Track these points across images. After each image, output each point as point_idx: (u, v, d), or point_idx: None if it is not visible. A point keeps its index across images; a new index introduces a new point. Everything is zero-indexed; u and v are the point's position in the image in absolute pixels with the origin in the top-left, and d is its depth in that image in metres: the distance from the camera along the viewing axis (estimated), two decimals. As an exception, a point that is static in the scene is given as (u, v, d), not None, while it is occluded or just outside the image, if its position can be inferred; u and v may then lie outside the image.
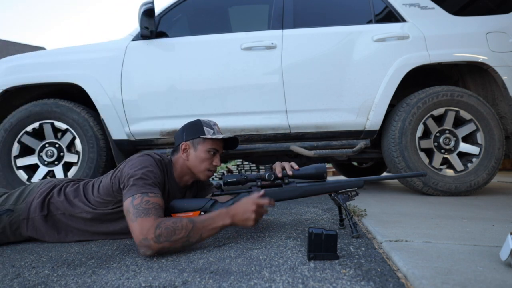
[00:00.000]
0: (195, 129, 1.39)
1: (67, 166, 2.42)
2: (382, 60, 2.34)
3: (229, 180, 1.28)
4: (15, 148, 2.37)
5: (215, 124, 1.45)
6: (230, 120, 2.35)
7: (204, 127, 1.39)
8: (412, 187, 2.36)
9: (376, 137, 2.46)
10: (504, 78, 2.29)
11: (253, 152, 2.47)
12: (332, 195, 1.29)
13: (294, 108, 2.35)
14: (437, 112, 2.34)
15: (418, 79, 2.68)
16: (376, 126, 2.36)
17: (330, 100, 2.35)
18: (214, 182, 1.51)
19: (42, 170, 2.38)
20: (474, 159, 2.32)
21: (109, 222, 1.33)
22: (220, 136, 1.37)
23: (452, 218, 1.50)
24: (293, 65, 2.36)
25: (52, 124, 2.39)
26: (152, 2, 2.23)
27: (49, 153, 2.38)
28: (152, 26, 2.35)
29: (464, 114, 2.33)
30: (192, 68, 2.39)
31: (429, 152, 2.37)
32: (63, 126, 2.39)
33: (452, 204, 1.94)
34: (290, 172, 1.29)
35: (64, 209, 1.32)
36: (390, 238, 1.12)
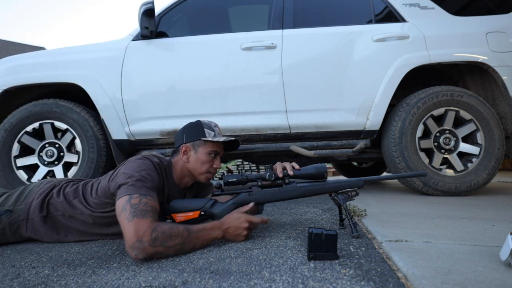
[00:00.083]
0: (195, 131, 1.37)
1: (67, 166, 2.42)
2: (382, 60, 2.34)
3: (229, 180, 1.28)
4: (15, 148, 2.38)
5: (216, 125, 1.43)
6: (230, 120, 2.35)
7: (205, 129, 1.37)
8: (412, 187, 2.36)
9: (376, 137, 2.46)
10: (504, 78, 2.29)
11: (253, 152, 2.47)
12: (332, 195, 1.29)
13: (294, 108, 2.35)
14: (437, 112, 2.34)
15: (418, 79, 2.68)
16: (376, 126, 2.36)
17: (330, 100, 2.35)
18: (214, 182, 1.51)
19: (42, 170, 2.38)
20: (474, 159, 2.32)
21: (109, 226, 1.32)
22: (222, 139, 1.35)
23: (452, 218, 1.50)
24: (293, 65, 2.36)
25: (52, 124, 2.39)
26: (152, 2, 2.23)
27: (49, 153, 2.38)
28: (152, 26, 2.35)
29: (464, 114, 2.33)
30: (192, 68, 2.39)
31: (429, 152, 2.37)
32: (63, 126, 2.39)
33: (452, 204, 1.94)
34: (291, 172, 1.29)
35: (63, 210, 1.31)
36: (390, 238, 1.12)
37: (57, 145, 2.40)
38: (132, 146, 2.44)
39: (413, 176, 1.31)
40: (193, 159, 1.36)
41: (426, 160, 2.32)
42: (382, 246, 1.09)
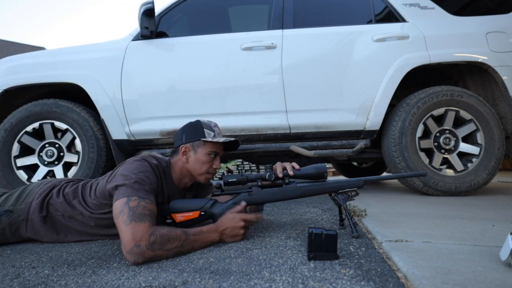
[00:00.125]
0: (195, 131, 1.36)
1: (67, 166, 2.42)
2: (382, 60, 2.34)
3: (229, 180, 1.27)
4: (15, 148, 2.38)
5: (216, 125, 1.42)
6: (230, 120, 2.36)
7: (205, 129, 1.35)
8: (412, 187, 2.36)
9: (376, 137, 2.46)
10: (504, 78, 2.29)
11: (253, 152, 2.47)
12: (332, 195, 1.29)
13: (294, 108, 2.35)
14: (437, 112, 2.34)
15: (418, 79, 2.68)
16: (376, 126, 2.36)
17: (330, 100, 2.35)
18: (214, 182, 1.51)
19: (42, 170, 2.38)
20: (474, 159, 2.32)
21: (109, 227, 1.31)
22: (222, 140, 1.34)
23: (452, 218, 1.50)
24: (293, 65, 2.36)
25: (52, 124, 2.39)
26: (152, 2, 2.23)
27: (49, 153, 2.38)
28: (152, 26, 2.35)
29: (464, 114, 2.33)
30: (192, 68, 2.39)
31: (429, 152, 2.37)
32: (63, 126, 2.39)
33: (452, 204, 1.94)
34: (291, 172, 1.28)
35: (63, 210, 1.31)
36: (390, 238, 1.12)
37: (57, 145, 2.40)
38: (132, 146, 2.44)
39: (413, 176, 1.31)
40: (192, 160, 1.35)
41: (426, 160, 2.32)
42: (382, 246, 1.09)
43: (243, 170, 7.90)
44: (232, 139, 1.38)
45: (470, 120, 2.33)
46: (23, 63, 2.48)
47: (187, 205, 1.29)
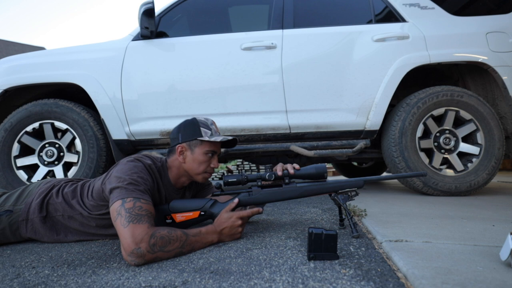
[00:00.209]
0: (191, 130, 1.33)
1: (67, 166, 2.42)
2: (382, 60, 2.34)
3: (229, 180, 1.27)
4: (15, 148, 2.38)
5: (213, 123, 1.39)
6: (230, 120, 2.36)
7: (201, 128, 1.33)
8: (412, 187, 2.36)
9: (376, 137, 2.46)
10: (504, 78, 2.29)
11: (253, 152, 2.47)
12: (332, 195, 1.29)
13: (294, 108, 2.35)
14: (437, 112, 2.34)
15: (418, 79, 2.68)
16: (376, 126, 2.36)
17: (330, 100, 2.35)
18: (214, 182, 1.50)
19: (42, 170, 2.38)
20: (474, 159, 2.32)
21: (108, 228, 1.31)
22: (219, 139, 1.31)
23: (452, 218, 1.50)
24: (293, 65, 2.36)
25: (52, 124, 2.39)
26: (152, 2, 2.23)
27: (49, 153, 2.38)
28: (152, 26, 2.35)
29: (464, 114, 2.33)
30: (192, 68, 2.39)
31: (429, 152, 2.37)
32: (63, 126, 2.39)
33: (452, 204, 1.94)
34: (291, 171, 1.28)
35: (63, 210, 1.31)
36: (390, 238, 1.12)
37: (57, 145, 2.40)
38: (132, 146, 2.44)
39: (413, 176, 1.31)
40: (189, 160, 1.33)
41: (426, 160, 2.33)
42: (382, 246, 1.09)
43: (243, 170, 7.90)
44: (230, 137, 1.36)
45: (470, 120, 2.33)
46: (23, 63, 2.48)
47: (187, 205, 1.29)
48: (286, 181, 1.29)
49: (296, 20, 2.48)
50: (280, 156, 2.78)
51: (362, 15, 2.54)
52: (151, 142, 2.43)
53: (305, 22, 2.49)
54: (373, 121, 2.34)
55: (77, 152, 2.40)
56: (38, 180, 1.93)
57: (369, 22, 2.51)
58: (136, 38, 2.47)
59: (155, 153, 1.41)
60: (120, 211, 1.06)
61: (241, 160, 7.19)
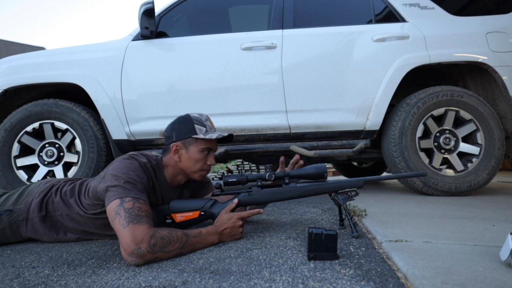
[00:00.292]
0: (185, 127, 1.30)
1: (67, 166, 2.42)
2: (382, 60, 2.34)
3: (229, 180, 1.27)
4: (15, 148, 2.38)
5: (207, 119, 1.35)
6: (230, 120, 2.36)
7: (195, 126, 1.29)
8: (412, 187, 2.36)
9: (376, 137, 2.46)
10: (504, 78, 2.29)
11: (253, 152, 2.47)
12: (332, 195, 1.29)
13: (294, 108, 2.35)
14: (437, 112, 2.34)
15: (418, 79, 2.68)
16: (376, 126, 2.36)
17: (330, 100, 2.35)
18: (214, 182, 1.50)
19: (42, 170, 2.38)
20: (474, 159, 2.32)
21: (104, 228, 1.30)
22: (214, 136, 1.29)
23: (452, 218, 1.50)
24: (293, 65, 2.36)
25: (52, 124, 2.39)
26: (152, 2, 2.23)
27: (49, 153, 2.38)
28: (152, 26, 2.35)
29: (464, 114, 2.33)
30: (192, 68, 2.39)
31: (429, 152, 2.37)
32: (63, 126, 2.39)
33: (452, 204, 1.94)
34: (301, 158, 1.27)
35: (61, 209, 1.31)
36: (390, 238, 1.12)
37: (57, 145, 2.40)
38: (132, 146, 2.44)
39: (413, 176, 1.31)
40: (185, 158, 1.30)
41: (426, 160, 2.33)
42: (382, 246, 1.09)
43: (243, 170, 7.90)
44: (225, 134, 1.34)
45: (470, 120, 2.33)
46: (23, 63, 2.48)
47: (187, 205, 1.29)
48: (286, 181, 1.30)
49: (296, 20, 2.48)
50: (280, 156, 2.77)
51: (362, 15, 2.54)
52: (151, 142, 2.43)
53: (305, 22, 2.49)
54: (373, 121, 2.34)
55: (77, 152, 2.40)
56: (38, 180, 1.93)
57: (369, 22, 2.51)
58: (136, 38, 2.47)
59: (145, 152, 1.38)
60: (118, 211, 1.05)
61: (241, 160, 7.19)
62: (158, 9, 2.52)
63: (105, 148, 2.41)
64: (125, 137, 2.39)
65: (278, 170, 1.38)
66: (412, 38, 2.37)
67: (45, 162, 2.39)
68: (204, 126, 1.32)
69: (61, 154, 2.40)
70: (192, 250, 1.11)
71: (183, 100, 2.36)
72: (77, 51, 2.50)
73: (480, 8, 2.70)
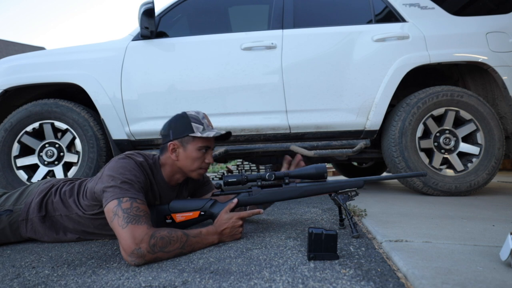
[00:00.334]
0: (182, 126, 1.28)
1: (67, 166, 2.42)
2: (382, 60, 2.34)
3: (229, 180, 1.27)
4: (15, 148, 2.37)
5: (204, 116, 1.33)
6: (230, 120, 2.36)
7: (193, 124, 1.27)
8: (412, 187, 2.36)
9: (376, 137, 2.46)
10: (504, 78, 2.29)
11: (253, 152, 2.47)
12: (332, 195, 1.29)
13: (294, 108, 2.35)
14: (437, 112, 2.34)
15: (418, 79, 2.68)
16: (376, 126, 2.36)
17: (330, 100, 2.35)
18: (214, 182, 1.50)
19: (42, 170, 2.38)
20: (474, 159, 2.32)
21: (103, 228, 1.30)
22: (212, 134, 1.27)
23: (452, 218, 1.50)
24: (293, 65, 2.36)
25: (52, 124, 2.39)
26: (152, 2, 2.23)
27: (49, 153, 2.38)
28: (152, 26, 2.35)
29: (464, 114, 2.33)
30: (192, 68, 2.39)
31: (429, 152, 2.37)
32: (63, 126, 2.39)
33: (452, 204, 1.94)
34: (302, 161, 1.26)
35: (61, 210, 1.31)
36: (390, 238, 1.12)
37: (57, 145, 2.40)
38: (132, 146, 2.44)
39: (413, 176, 1.31)
40: (182, 157, 1.29)
41: (426, 160, 2.32)
42: (382, 246, 1.09)
43: (243, 170, 7.90)
44: (223, 132, 1.32)
45: (470, 120, 2.33)
46: (23, 63, 2.48)
47: (187, 205, 1.29)
48: (286, 181, 1.30)
49: (296, 20, 2.48)
50: (280, 156, 2.78)
51: (362, 15, 2.54)
52: (151, 142, 2.43)
53: (305, 22, 2.49)
54: (373, 121, 2.34)
55: (77, 152, 2.40)
56: (38, 180, 1.93)
57: (369, 22, 2.51)
58: (136, 38, 2.46)
59: (141, 151, 1.37)
60: (117, 212, 1.04)
61: (241, 160, 7.19)
62: (158, 9, 2.52)
63: (105, 148, 2.41)
64: (125, 137, 2.39)
65: (282, 169, 1.38)
66: (412, 38, 2.37)
67: (45, 162, 2.39)
68: (202, 124, 1.30)
69: (61, 154, 2.40)
70: (192, 250, 1.11)
71: (183, 100, 2.36)
72: (77, 51, 2.50)
73: (480, 8, 2.70)
